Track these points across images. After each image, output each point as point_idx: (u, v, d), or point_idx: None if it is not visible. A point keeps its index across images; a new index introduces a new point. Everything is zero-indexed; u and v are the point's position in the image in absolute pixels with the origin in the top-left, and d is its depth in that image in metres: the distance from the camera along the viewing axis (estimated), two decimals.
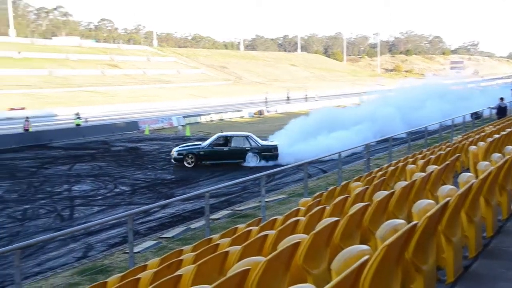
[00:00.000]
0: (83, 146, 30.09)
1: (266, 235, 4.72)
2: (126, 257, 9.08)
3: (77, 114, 38.68)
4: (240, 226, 7.22)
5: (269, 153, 22.35)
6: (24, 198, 16.78)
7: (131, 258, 7.81)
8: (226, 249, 4.48)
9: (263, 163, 21.89)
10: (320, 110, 32.16)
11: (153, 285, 3.96)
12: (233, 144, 22.47)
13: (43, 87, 72.58)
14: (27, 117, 35.36)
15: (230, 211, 13.07)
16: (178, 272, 4.20)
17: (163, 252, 9.27)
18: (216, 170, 20.85)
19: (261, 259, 3.43)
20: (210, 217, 9.81)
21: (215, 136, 23.18)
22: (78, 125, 36.94)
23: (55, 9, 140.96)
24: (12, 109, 54.19)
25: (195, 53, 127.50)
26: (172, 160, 22.36)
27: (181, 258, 5.37)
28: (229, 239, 5.70)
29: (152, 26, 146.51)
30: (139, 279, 4.74)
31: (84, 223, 13.33)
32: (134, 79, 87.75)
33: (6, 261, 9.88)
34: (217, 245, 5.50)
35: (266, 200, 11.41)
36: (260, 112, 50.17)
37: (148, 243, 10.56)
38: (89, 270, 8.84)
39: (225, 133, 23.97)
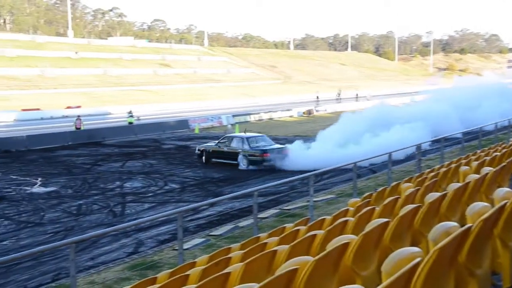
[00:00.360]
0: (135, 144, 30.75)
1: (314, 235, 4.69)
2: (175, 253, 9.21)
3: (130, 112, 39.48)
4: (288, 225, 7.20)
5: (254, 157, 21.38)
6: (78, 194, 17.28)
7: (180, 255, 7.91)
8: (274, 248, 4.47)
9: (252, 167, 21.27)
10: (375, 106, 31.04)
11: (202, 282, 3.99)
12: (232, 145, 22.24)
13: (98, 86, 74.61)
14: (79, 116, 36.36)
15: (278, 210, 13.05)
16: (226, 270, 4.23)
17: (212, 249, 9.35)
18: (264, 170, 20.83)
19: (309, 259, 3.41)
20: (258, 216, 9.82)
21: (223, 136, 23.81)
22: (130, 123, 37.75)
23: (111, 10, 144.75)
24: (68, 107, 55.95)
25: (245, 52, 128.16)
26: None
27: (229, 256, 5.40)
28: (277, 238, 5.69)
29: (203, 26, 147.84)
30: (188, 275, 4.79)
31: (135, 219, 13.61)
32: (185, 78, 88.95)
33: (62, 254, 10.21)
34: (265, 244, 5.49)
35: (314, 199, 11.34)
36: (309, 112, 49.93)
37: (197, 240, 10.67)
38: (139, 266, 9.01)
39: (231, 134, 24.33)
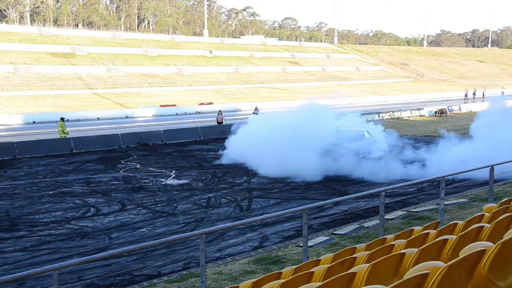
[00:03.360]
0: None
1: (445, 240, 4.45)
2: (299, 250, 9.25)
3: (256, 109, 40.33)
4: (416, 228, 6.90)
5: None
6: (208, 187, 18.01)
7: (305, 252, 7.93)
8: (402, 251, 4.31)
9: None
10: None
11: (327, 280, 3.95)
12: None
13: (229, 84, 77.23)
14: (220, 110, 37.91)
15: (405, 212, 12.60)
16: (351, 270, 4.15)
17: (336, 248, 9.27)
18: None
19: (441, 264, 3.23)
20: (384, 217, 9.56)
21: None
22: None
23: (244, 9, 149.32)
24: (201, 104, 58.57)
25: (375, 50, 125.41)
26: None
27: (354, 256, 5.30)
28: (404, 240, 5.48)
29: (333, 24, 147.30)
30: (312, 273, 4.77)
31: (261, 214, 13.91)
32: (313, 76, 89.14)
33: (192, 244, 10.71)
34: (392, 245, 5.32)
35: (445, 203, 10.78)
36: (442, 111, 47.62)
37: (321, 238, 10.62)
38: (264, 260, 9.17)
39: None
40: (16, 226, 12.88)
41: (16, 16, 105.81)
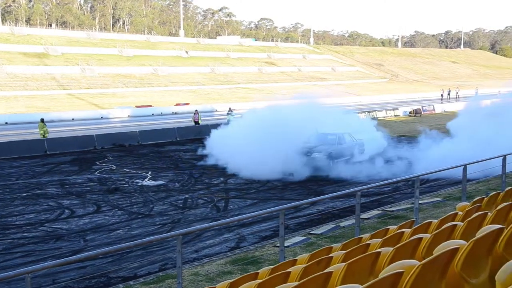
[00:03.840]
0: None
1: (420, 238, 4.51)
2: (276, 250, 9.28)
3: (230, 110, 40.33)
4: (392, 227, 6.98)
5: (363, 147, 22.30)
6: (185, 188, 17.95)
7: (282, 252, 7.95)
8: (378, 250, 4.35)
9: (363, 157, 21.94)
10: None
11: (303, 280, 3.97)
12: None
13: (206, 84, 77.03)
14: (196, 110, 37.79)
15: (380, 212, 12.73)
16: (327, 270, 4.17)
17: (312, 248, 9.31)
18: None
19: (415, 262, 3.27)
20: (360, 216, 9.64)
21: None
22: (230, 120, 38.51)
23: (220, 10, 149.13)
24: (177, 104, 58.26)
25: (351, 50, 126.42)
26: None
27: (330, 255, 5.33)
28: (380, 239, 5.53)
29: (309, 25, 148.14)
30: (289, 273, 4.79)
31: (238, 215, 13.91)
32: (289, 76, 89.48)
33: (169, 245, 10.66)
34: (368, 245, 5.37)
35: (420, 202, 10.92)
36: (416, 111, 48.24)
37: (298, 238, 10.67)
38: (241, 261, 9.17)
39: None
40: None
41: None
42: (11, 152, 25.01)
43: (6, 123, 43.66)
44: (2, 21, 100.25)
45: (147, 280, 8.51)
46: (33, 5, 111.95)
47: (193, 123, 36.82)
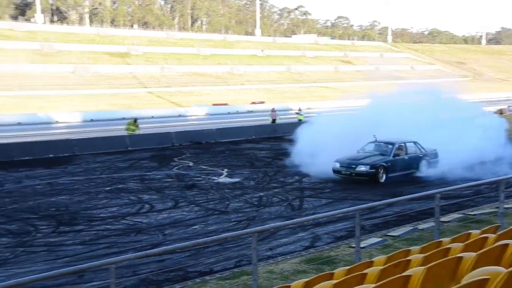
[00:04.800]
0: None
1: (506, 245, 4.32)
2: (351, 251, 9.17)
3: (299, 109, 40.24)
4: (474, 232, 6.73)
5: (435, 159, 19.63)
6: (260, 186, 18.09)
7: (357, 253, 7.86)
8: (459, 255, 4.21)
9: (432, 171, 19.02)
10: None
11: (380, 282, 3.92)
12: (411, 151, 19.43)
13: (281, 83, 77.26)
14: (273, 108, 38.06)
15: (461, 215, 12.28)
16: (406, 273, 4.09)
17: (389, 250, 9.13)
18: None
19: (501, 269, 3.14)
20: (440, 219, 9.35)
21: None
22: (300, 120, 38.40)
23: (296, 8, 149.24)
24: (253, 103, 58.82)
25: (431, 48, 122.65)
26: None
27: (408, 258, 5.21)
28: (461, 244, 5.35)
29: (387, 22, 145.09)
30: (365, 274, 4.73)
31: (312, 214, 13.86)
32: (366, 75, 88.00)
33: (244, 242, 10.80)
34: (448, 249, 5.21)
35: (505, 206, 10.44)
36: (501, 111, 46.05)
37: (373, 239, 10.50)
38: (316, 260, 9.14)
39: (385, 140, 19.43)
40: (75, 220, 13.34)
41: (76, 18, 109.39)
42: (95, 148, 26.20)
43: (92, 120, 45.84)
44: (89, 22, 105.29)
45: (223, 275, 8.67)
46: (117, 7, 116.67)
47: (270, 121, 37.19)
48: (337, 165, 18.50)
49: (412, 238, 10.31)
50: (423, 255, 5.16)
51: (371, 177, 17.93)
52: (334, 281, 4.84)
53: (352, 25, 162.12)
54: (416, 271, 4.04)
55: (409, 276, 3.92)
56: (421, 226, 11.32)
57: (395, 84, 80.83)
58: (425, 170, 19.07)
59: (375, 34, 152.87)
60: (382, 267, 4.92)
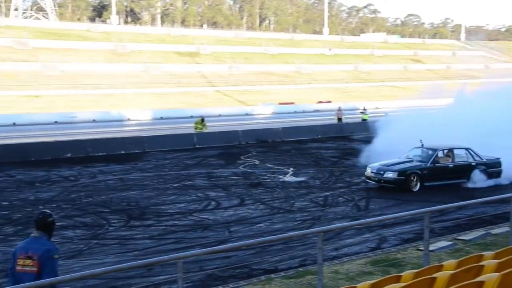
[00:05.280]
0: None
1: None
2: (419, 254, 8.95)
3: (364, 109, 39.60)
4: None
5: (496, 169, 17.55)
6: (325, 185, 17.96)
7: (426, 256, 7.67)
8: None
9: (491, 182, 17.19)
10: None
11: (451, 287, 3.80)
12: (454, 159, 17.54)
13: (349, 82, 76.41)
14: (340, 107, 37.81)
15: None
16: (478, 279, 3.95)
17: (459, 254, 8.84)
18: None
19: None
20: None
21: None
22: (364, 120, 37.77)
23: (365, 7, 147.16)
24: (320, 102, 58.48)
25: (508, 46, 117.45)
26: None
27: (481, 263, 5.03)
28: None
29: (461, 19, 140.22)
30: (434, 278, 4.61)
31: (379, 215, 13.62)
32: (437, 74, 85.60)
33: (309, 241, 10.76)
34: None
35: None
36: None
37: (443, 243, 10.19)
38: (382, 262, 8.98)
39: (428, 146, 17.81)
40: (145, 215, 13.75)
41: (148, 18, 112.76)
42: (164, 145, 26.87)
43: (161, 117, 47.09)
44: (161, 23, 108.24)
45: (288, 274, 8.68)
46: (187, 8, 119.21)
47: (336, 120, 36.93)
48: (369, 170, 17.47)
49: (485, 243, 9.94)
50: (497, 261, 4.96)
51: (400, 184, 16.62)
52: (402, 284, 4.74)
53: (423, 23, 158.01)
54: (490, 278, 3.89)
55: (481, 283, 3.78)
56: (494, 231, 10.89)
57: (482, 83, 78.08)
58: (479, 180, 17.19)
59: (448, 32, 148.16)
60: (453, 271, 4.77)
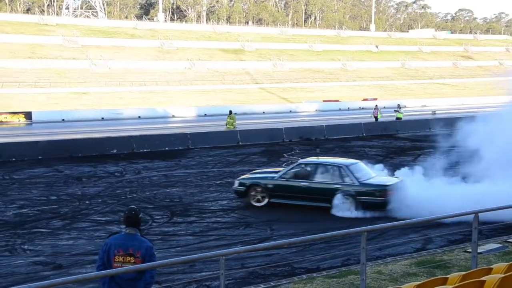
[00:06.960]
0: (428, 139, 29.95)
1: None
2: (467, 256, 8.68)
3: (398, 106, 38.86)
4: None
5: (370, 198, 13.20)
6: None
7: (474, 258, 7.41)
8: None
9: (359, 213, 13.16)
10: None
11: None
12: (317, 179, 13.81)
13: (395, 79, 75.13)
14: (376, 105, 37.35)
15: None
16: None
17: (510, 257, 8.53)
18: None
19: None
20: None
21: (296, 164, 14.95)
22: (398, 118, 36.99)
23: (414, 2, 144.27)
24: (365, 99, 57.74)
25: None
26: None
27: None
28: None
29: None
30: (483, 282, 4.42)
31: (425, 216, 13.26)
32: (488, 71, 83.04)
33: (352, 241, 10.60)
34: None
35: None
36: None
37: (492, 245, 9.86)
38: (427, 263, 8.75)
39: (310, 160, 15.06)
40: (188, 211, 13.84)
41: (194, 15, 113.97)
42: (208, 142, 27.05)
43: (205, 114, 47.51)
44: (206, 20, 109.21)
45: (330, 273, 8.56)
46: (233, 5, 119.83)
47: (373, 119, 36.49)
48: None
49: None
50: None
51: (240, 195, 14.67)
52: (449, 287, 4.58)
53: (475, 18, 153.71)
54: None
55: None
56: None
57: None
58: (342, 209, 13.31)
59: (501, 27, 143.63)
60: (502, 275, 4.57)
